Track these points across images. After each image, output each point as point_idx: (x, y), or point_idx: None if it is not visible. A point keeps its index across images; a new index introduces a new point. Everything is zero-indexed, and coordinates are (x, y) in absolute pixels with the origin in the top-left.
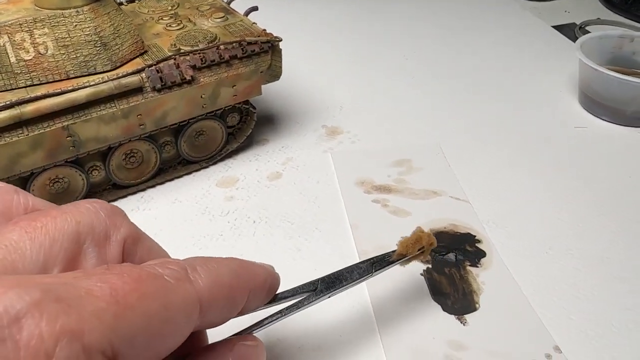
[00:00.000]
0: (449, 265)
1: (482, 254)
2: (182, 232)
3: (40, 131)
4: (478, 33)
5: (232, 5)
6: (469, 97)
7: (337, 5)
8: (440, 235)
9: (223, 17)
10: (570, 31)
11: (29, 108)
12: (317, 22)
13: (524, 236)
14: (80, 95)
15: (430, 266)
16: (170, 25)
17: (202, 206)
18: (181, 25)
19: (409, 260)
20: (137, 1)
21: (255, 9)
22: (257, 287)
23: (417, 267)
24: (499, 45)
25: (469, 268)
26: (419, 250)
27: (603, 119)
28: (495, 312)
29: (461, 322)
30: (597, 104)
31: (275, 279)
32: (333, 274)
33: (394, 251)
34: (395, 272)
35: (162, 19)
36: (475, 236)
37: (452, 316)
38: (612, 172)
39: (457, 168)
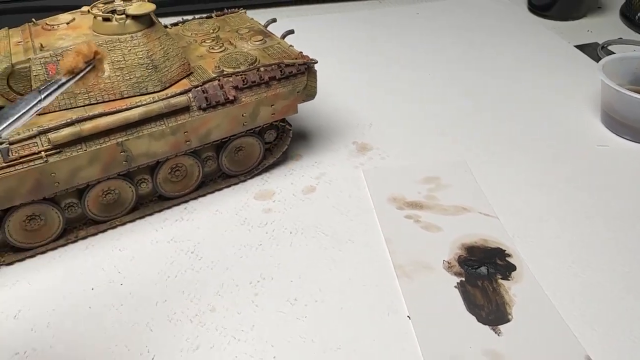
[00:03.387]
0: (482, 278)
1: (513, 267)
2: (224, 241)
3: (97, 147)
4: (502, 52)
5: (269, 28)
6: (494, 115)
7: (365, 29)
8: (471, 249)
9: (262, 40)
10: (593, 51)
11: (88, 125)
12: (346, 44)
13: (549, 250)
14: (134, 114)
15: (463, 279)
16: (212, 48)
17: (242, 217)
18: (223, 48)
19: (84, 77)
20: (180, 24)
21: (291, 32)
22: None
23: (451, 280)
24: (522, 64)
25: (500, 281)
26: (87, 64)
27: (625, 138)
28: (528, 323)
29: (495, 333)
30: (618, 123)
31: None
32: None
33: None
34: (431, 284)
35: (205, 41)
36: (505, 250)
37: (487, 327)
38: (633, 189)
39: (483, 184)
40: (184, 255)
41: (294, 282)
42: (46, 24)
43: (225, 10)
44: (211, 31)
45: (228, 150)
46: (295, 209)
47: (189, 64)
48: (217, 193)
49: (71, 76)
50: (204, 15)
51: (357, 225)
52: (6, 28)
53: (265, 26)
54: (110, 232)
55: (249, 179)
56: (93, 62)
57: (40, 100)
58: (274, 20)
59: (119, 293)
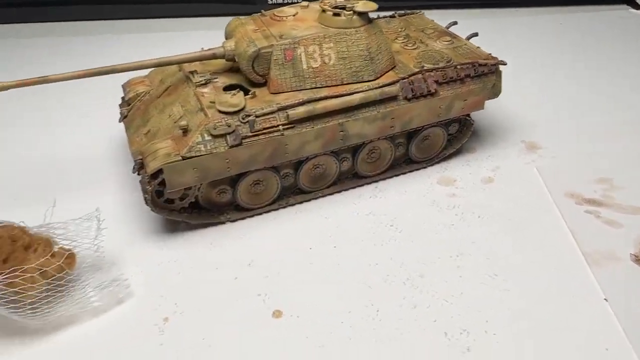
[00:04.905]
0: None
1: None
2: (417, 218)
3: (323, 125)
4: None
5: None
6: None
7: (529, 34)
8: None
9: (450, 40)
10: None
11: (319, 105)
12: (516, 47)
13: None
14: (354, 98)
15: None
16: (406, 45)
17: (429, 199)
18: (415, 46)
19: None
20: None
21: (475, 35)
22: None
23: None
24: None
25: None
26: None
27: None
28: None
29: None
30: None
31: None
32: None
33: None
34: (621, 272)
35: (397, 39)
36: None
37: None
38: None
39: None
40: (384, 227)
41: (489, 259)
42: (274, 14)
43: (405, 12)
44: (399, 30)
45: (418, 138)
46: (477, 196)
47: (394, 58)
48: (401, 176)
49: None
50: (388, 15)
51: (538, 215)
52: (237, 17)
53: (447, 28)
54: (313, 201)
55: (429, 166)
56: None
57: None
58: (455, 23)
59: (333, 254)
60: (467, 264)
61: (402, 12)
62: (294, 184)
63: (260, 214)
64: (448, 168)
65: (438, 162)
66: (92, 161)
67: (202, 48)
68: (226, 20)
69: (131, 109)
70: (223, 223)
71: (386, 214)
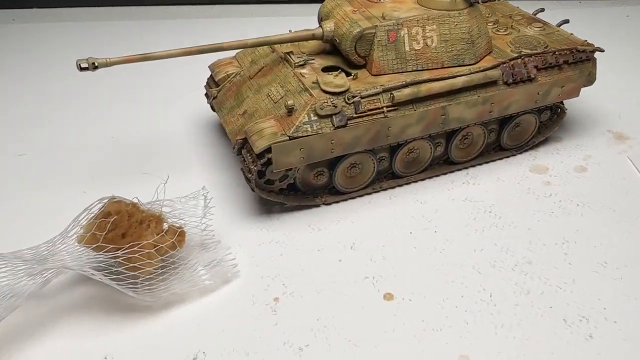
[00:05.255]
0: None
1: None
2: (516, 205)
3: (425, 108)
4: None
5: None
6: None
7: (606, 21)
8: None
9: (542, 27)
10: None
11: (424, 88)
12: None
13: None
14: (458, 82)
15: None
16: (498, 30)
17: (524, 187)
18: (507, 31)
19: None
20: None
21: (566, 21)
22: None
23: None
24: None
25: None
26: None
27: None
28: None
29: None
30: None
31: None
32: None
33: None
34: None
35: (487, 24)
36: None
37: None
38: None
39: None
40: (483, 213)
41: (596, 247)
42: None
43: None
44: (487, 16)
45: (510, 124)
46: (573, 184)
47: (491, 42)
48: (491, 163)
49: None
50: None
51: (639, 205)
52: None
53: (534, 14)
54: (405, 186)
55: (518, 154)
56: None
57: None
58: (542, 10)
59: (436, 238)
60: (575, 252)
61: None
62: (388, 168)
63: (354, 197)
64: (537, 156)
65: (527, 150)
66: (180, 142)
67: (290, 30)
68: (303, 7)
69: (221, 90)
70: (318, 206)
71: (483, 201)
